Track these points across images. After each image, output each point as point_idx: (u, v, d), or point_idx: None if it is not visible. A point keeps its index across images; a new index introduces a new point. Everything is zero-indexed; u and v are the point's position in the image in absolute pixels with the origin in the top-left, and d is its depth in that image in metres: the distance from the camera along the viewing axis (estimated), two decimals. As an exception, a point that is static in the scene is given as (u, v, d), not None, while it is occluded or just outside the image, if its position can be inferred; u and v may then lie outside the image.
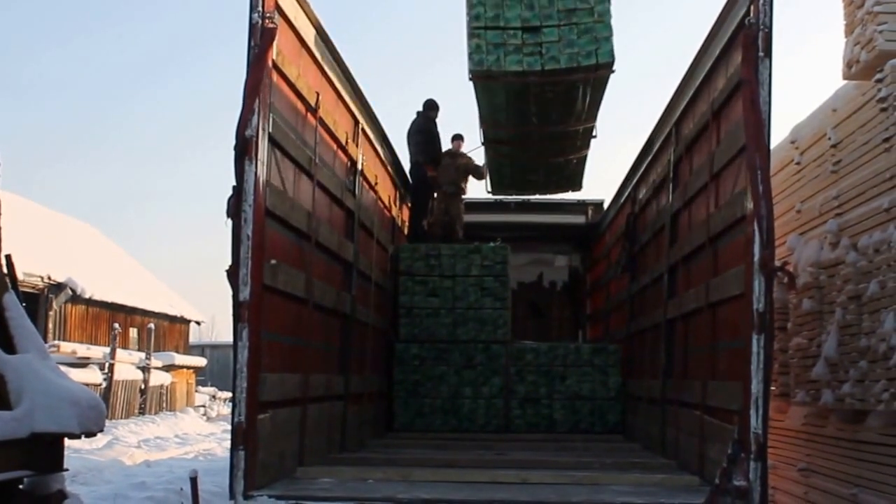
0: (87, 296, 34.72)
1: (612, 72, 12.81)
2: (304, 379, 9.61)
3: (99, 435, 20.66)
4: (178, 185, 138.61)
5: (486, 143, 16.06)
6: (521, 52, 12.40)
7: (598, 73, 12.71)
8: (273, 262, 8.50)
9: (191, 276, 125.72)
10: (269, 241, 8.31)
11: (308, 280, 9.73)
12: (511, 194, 18.81)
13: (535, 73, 12.43)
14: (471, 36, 12.53)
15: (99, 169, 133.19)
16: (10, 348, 10.29)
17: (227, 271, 7.84)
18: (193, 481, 13.15)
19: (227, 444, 27.78)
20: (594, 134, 16.18)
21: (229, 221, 7.86)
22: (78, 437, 10.33)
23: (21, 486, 9.91)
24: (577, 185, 18.67)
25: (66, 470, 10.70)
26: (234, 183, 7.84)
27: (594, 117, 15.29)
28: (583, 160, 17.24)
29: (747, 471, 7.45)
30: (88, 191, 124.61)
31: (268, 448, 8.27)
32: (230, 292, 7.84)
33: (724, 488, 7.42)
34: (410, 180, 16.88)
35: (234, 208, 7.81)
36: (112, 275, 40.51)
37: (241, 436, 7.68)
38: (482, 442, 12.70)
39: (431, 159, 16.76)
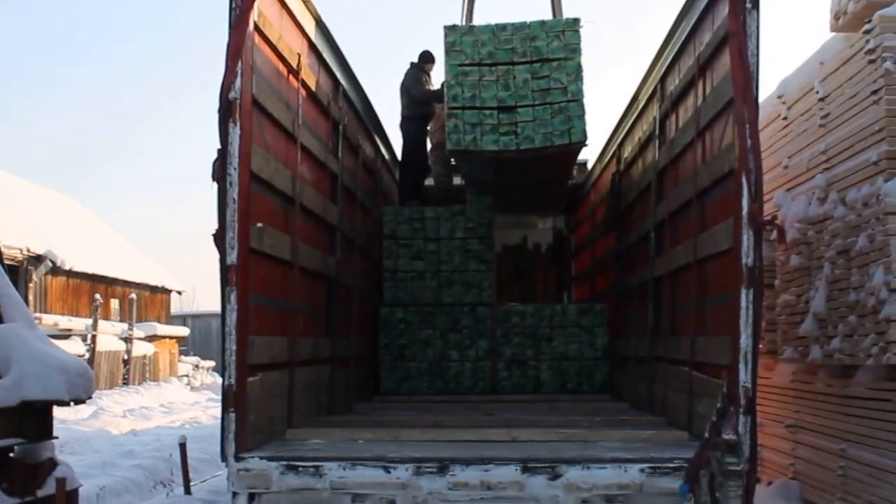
0: (67, 267, 34.73)
1: (586, 146, 13.10)
2: (292, 342, 9.68)
3: (84, 406, 20.86)
4: (150, 147, 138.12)
5: (468, 186, 16.36)
6: (497, 132, 12.81)
7: (570, 150, 12.95)
8: (259, 225, 8.54)
9: (168, 245, 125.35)
10: (254, 204, 8.33)
11: (293, 243, 9.78)
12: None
13: (511, 151, 12.73)
14: (449, 116, 12.88)
15: (53, 127, 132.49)
16: (-3, 317, 10.36)
17: (214, 235, 7.90)
18: (182, 447, 13.36)
19: (212, 412, 28.19)
20: (573, 176, 17.28)
21: (214, 185, 7.90)
22: (67, 403, 10.43)
23: (12, 455, 9.99)
24: (558, 207, 19.38)
25: (56, 438, 10.80)
26: (218, 146, 7.89)
27: (571, 171, 16.00)
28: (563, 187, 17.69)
29: (737, 424, 7.52)
30: (47, 153, 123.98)
31: (257, 411, 8.34)
32: (217, 257, 7.90)
33: (714, 442, 7.49)
34: (402, 136, 16.91)
35: (220, 171, 7.86)
36: (92, 246, 40.56)
37: (232, 398, 7.75)
38: (470, 404, 12.83)
39: (424, 114, 16.76)
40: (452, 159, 15.22)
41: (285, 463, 7.72)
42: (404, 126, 16.82)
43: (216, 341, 57.57)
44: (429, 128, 17.05)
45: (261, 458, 7.76)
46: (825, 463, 11.92)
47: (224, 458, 7.80)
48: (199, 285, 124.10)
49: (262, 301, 8.75)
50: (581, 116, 12.63)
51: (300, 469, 7.71)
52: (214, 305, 66.62)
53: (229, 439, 7.74)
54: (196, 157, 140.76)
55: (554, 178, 15.69)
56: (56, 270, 34.44)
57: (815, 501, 12.20)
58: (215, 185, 7.90)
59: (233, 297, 7.78)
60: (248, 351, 8.04)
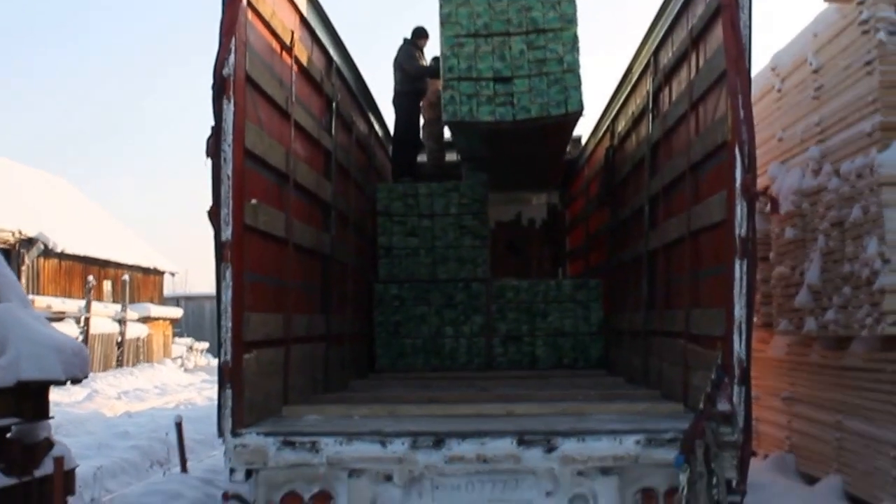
0: (59, 250, 34.77)
1: (582, 116, 13.13)
2: (287, 319, 9.75)
3: (78, 388, 20.79)
4: (140, 129, 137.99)
5: (463, 161, 16.54)
6: (493, 103, 12.78)
7: (567, 120, 12.99)
8: (253, 202, 8.60)
9: (160, 227, 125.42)
10: (248, 181, 8.38)
11: (288, 220, 9.84)
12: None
13: (507, 122, 12.75)
14: (445, 87, 12.87)
15: (41, 109, 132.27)
16: (-8, 298, 10.42)
17: (209, 211, 7.96)
18: (178, 426, 13.46)
19: (207, 393, 28.27)
20: (568, 151, 17.19)
21: (209, 162, 7.97)
22: (63, 383, 10.50)
23: (8, 435, 10.07)
24: (554, 183, 19.50)
25: (52, 418, 10.88)
26: (213, 123, 7.96)
27: (566, 146, 16.01)
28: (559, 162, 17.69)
29: (731, 395, 7.60)
30: (35, 135, 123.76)
31: (253, 387, 8.41)
32: (211, 236, 7.96)
33: (709, 413, 7.59)
34: (394, 112, 16.97)
35: (214, 148, 7.91)
36: (84, 227, 40.57)
37: (228, 375, 7.81)
38: (465, 380, 12.89)
39: (417, 90, 16.83)
40: (448, 132, 15.26)
41: (282, 438, 7.79)
42: (397, 102, 16.88)
43: (209, 323, 57.75)
44: (421, 104, 17.11)
45: (257, 433, 7.84)
46: (821, 435, 12.04)
47: (221, 434, 7.85)
48: (191, 267, 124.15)
49: (257, 278, 8.81)
50: (577, 87, 12.66)
51: (297, 444, 7.78)
52: (207, 287, 66.67)
53: (226, 415, 7.80)
54: (187, 139, 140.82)
55: (550, 153, 15.73)
56: (48, 253, 34.48)
57: (812, 473, 12.32)
58: (209, 162, 7.97)
59: (228, 273, 7.83)
60: (244, 327, 8.10)
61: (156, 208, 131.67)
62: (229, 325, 7.84)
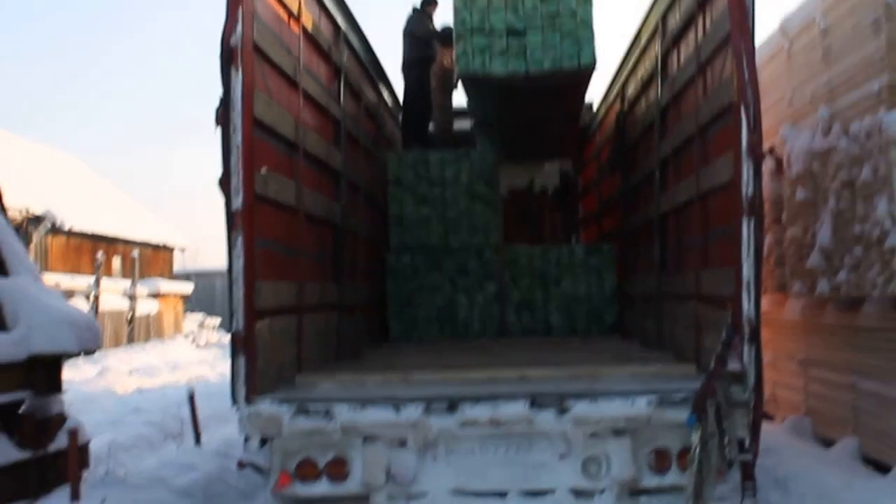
0: (67, 227, 34.82)
1: (595, 70, 13.15)
2: (299, 288, 9.90)
3: (89, 365, 21.01)
4: (142, 101, 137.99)
5: (476, 127, 16.55)
6: (506, 56, 12.75)
7: (580, 74, 13.05)
8: (263, 170, 8.76)
9: (168, 202, 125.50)
10: (258, 150, 8.54)
11: (298, 189, 10.00)
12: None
13: (520, 75, 12.75)
14: (457, 41, 12.87)
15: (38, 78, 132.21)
16: (3, 272, 10.62)
17: (219, 181, 8.13)
18: (191, 399, 13.64)
19: (220, 369, 28.48)
20: (581, 114, 17.09)
21: (218, 130, 8.14)
22: (76, 355, 10.71)
23: (22, 409, 10.27)
24: (569, 151, 19.24)
25: (66, 391, 11.08)
26: (221, 93, 8.13)
27: (581, 108, 15.95)
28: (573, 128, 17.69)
29: (742, 354, 7.77)
30: (34, 106, 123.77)
31: (266, 356, 8.56)
32: (221, 208, 8.14)
33: (720, 373, 7.74)
34: (403, 81, 17.08)
35: (223, 118, 8.08)
36: (91, 203, 40.64)
37: (240, 343, 7.99)
38: (479, 348, 12.99)
39: (427, 57, 16.92)
40: (457, 101, 15.27)
41: (296, 406, 7.95)
42: (406, 71, 16.99)
43: (220, 298, 57.82)
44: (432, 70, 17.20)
45: (271, 401, 8.00)
46: (837, 397, 12.16)
47: (235, 402, 8.02)
48: (201, 242, 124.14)
49: (268, 246, 8.96)
50: (590, 41, 12.66)
51: (311, 411, 7.95)
52: (218, 262, 66.78)
53: (239, 384, 7.96)
54: (192, 109, 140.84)
55: (564, 116, 15.75)
56: (56, 230, 34.60)
57: (828, 436, 12.44)
58: (219, 131, 8.14)
59: (239, 241, 7.99)
60: (256, 296, 8.24)
61: (161, 183, 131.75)
62: (241, 293, 8.00)
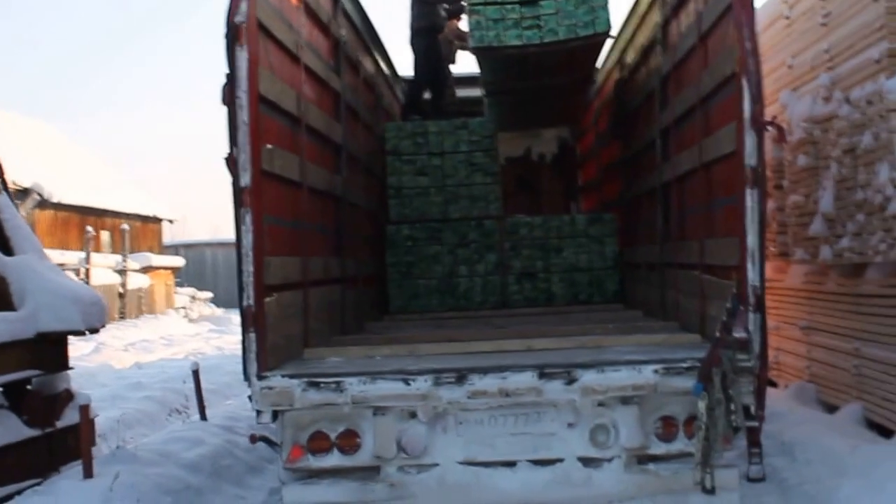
0: (55, 200, 34.93)
1: (611, 37, 13.28)
2: (305, 262, 10.12)
3: (83, 342, 21.24)
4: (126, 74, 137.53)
5: (487, 94, 16.67)
6: (519, 26, 12.94)
7: (595, 41, 13.16)
8: (269, 146, 8.97)
9: (154, 173, 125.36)
10: (263, 126, 8.71)
11: (302, 163, 10.20)
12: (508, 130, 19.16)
13: (535, 45, 12.94)
14: (471, 13, 13.05)
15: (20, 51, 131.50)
16: (8, 250, 10.88)
17: (226, 158, 8.35)
18: (195, 374, 13.91)
19: (215, 342, 28.71)
20: (594, 78, 17.14)
21: (224, 108, 8.34)
22: (83, 333, 10.97)
23: (29, 387, 10.53)
24: (576, 121, 19.38)
25: (72, 368, 11.34)
26: (227, 70, 8.33)
27: (593, 73, 16.00)
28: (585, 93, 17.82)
29: (747, 322, 7.99)
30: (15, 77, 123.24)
31: (276, 330, 8.76)
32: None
33: (725, 341, 7.96)
34: (412, 52, 17.22)
35: (229, 95, 8.27)
36: (79, 176, 40.75)
37: (251, 319, 8.19)
38: (482, 318, 13.23)
39: (434, 25, 17.06)
40: (466, 68, 15.23)
41: (307, 380, 8.16)
42: (415, 40, 17.05)
43: (211, 271, 58.01)
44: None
45: (283, 376, 8.21)
46: (840, 363, 12.42)
47: (246, 377, 8.22)
48: (189, 214, 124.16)
49: (274, 222, 9.13)
50: (605, 6, 12.88)
51: (322, 385, 8.15)
52: (206, 234, 66.87)
53: (251, 359, 8.16)
54: (176, 78, 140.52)
55: (580, 80, 15.78)
56: (44, 204, 34.73)
57: (832, 402, 12.71)
58: (225, 109, 8.34)
59: (248, 218, 8.17)
60: (265, 272, 8.47)
61: (148, 153, 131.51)
62: (251, 269, 8.19)
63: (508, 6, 13.00)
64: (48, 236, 35.34)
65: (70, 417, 10.90)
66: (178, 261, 48.14)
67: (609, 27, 12.88)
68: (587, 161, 19.67)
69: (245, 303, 8.21)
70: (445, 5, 16.95)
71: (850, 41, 11.60)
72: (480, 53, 13.61)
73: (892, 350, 10.97)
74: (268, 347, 8.36)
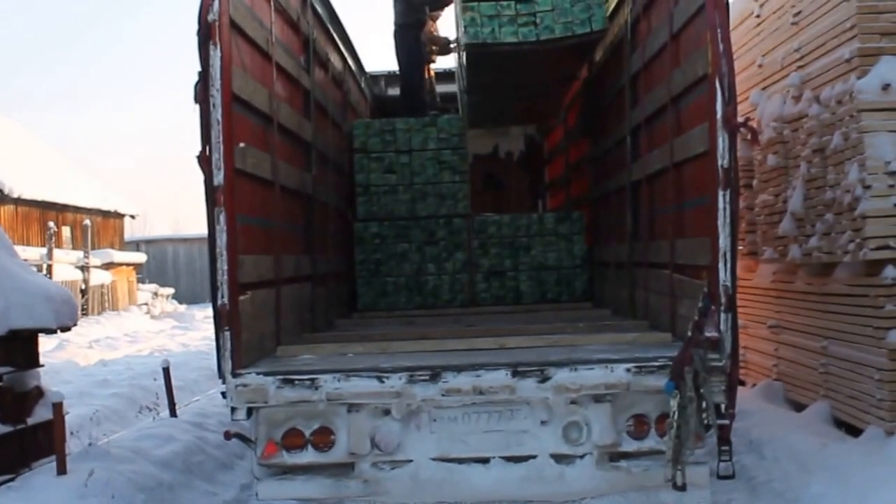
0: (15, 195, 34.79)
1: (604, 35, 13.35)
2: (277, 260, 10.22)
3: (46, 338, 21.39)
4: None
5: (470, 91, 16.48)
6: (515, 23, 12.91)
7: (590, 40, 13.23)
8: (242, 145, 9.04)
9: (113, 167, 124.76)
10: (236, 124, 8.76)
11: (274, 162, 10.28)
12: (486, 127, 19.26)
13: (530, 42, 12.94)
14: (464, 9, 13.03)
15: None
16: (-23, 247, 10.90)
17: (198, 157, 8.40)
18: (166, 371, 13.97)
19: (180, 339, 28.64)
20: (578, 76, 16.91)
21: (197, 107, 8.41)
22: (54, 331, 11.03)
23: (0, 384, 10.57)
24: (544, 118, 19.39)
25: (42, 366, 11.39)
26: (199, 68, 8.39)
27: (581, 69, 15.89)
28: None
29: (718, 322, 8.10)
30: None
31: (249, 329, 8.87)
32: (203, 179, 8.41)
33: (697, 340, 8.07)
34: (395, 48, 17.24)
35: (202, 94, 8.33)
36: (39, 171, 40.57)
37: (226, 317, 8.26)
38: (451, 316, 13.34)
39: (418, 21, 17.05)
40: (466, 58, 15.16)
41: (281, 377, 8.27)
42: (399, 35, 17.07)
43: (172, 267, 57.93)
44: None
45: (257, 373, 8.31)
46: (807, 361, 12.58)
47: (221, 375, 8.31)
48: (149, 209, 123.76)
49: (247, 221, 9.21)
50: (601, 4, 12.91)
51: (296, 382, 8.26)
52: (167, 230, 66.69)
53: (225, 357, 8.24)
54: (132, 70, 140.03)
55: (567, 77, 15.79)
56: (3, 199, 34.63)
57: (799, 400, 12.88)
58: (198, 108, 8.40)
59: (222, 217, 8.23)
60: (239, 270, 8.55)
61: (108, 148, 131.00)
62: (225, 268, 8.26)
63: (503, 3, 12.98)
64: (9, 231, 35.01)
65: (41, 414, 10.95)
66: (140, 257, 48.05)
67: (606, 25, 12.93)
68: (555, 158, 19.71)
69: (219, 301, 8.28)
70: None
71: (821, 40, 11.73)
72: (474, 51, 13.60)
73: (859, 349, 11.13)
74: (242, 345, 8.46)
